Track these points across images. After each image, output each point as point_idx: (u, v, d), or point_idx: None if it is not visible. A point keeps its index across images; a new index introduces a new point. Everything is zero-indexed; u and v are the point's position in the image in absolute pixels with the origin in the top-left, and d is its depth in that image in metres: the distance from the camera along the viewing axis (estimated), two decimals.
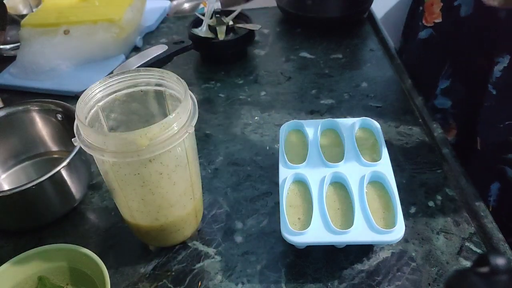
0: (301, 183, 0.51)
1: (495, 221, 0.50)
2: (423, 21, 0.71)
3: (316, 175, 0.50)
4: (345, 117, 0.66)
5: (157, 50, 0.73)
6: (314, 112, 0.69)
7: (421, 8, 0.73)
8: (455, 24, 0.63)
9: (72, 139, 0.40)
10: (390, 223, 0.46)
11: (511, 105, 0.56)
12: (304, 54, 0.82)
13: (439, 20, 0.67)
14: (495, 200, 0.63)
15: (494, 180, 0.62)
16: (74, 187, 0.54)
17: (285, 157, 0.53)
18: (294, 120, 0.57)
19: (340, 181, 0.50)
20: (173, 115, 0.39)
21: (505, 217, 0.60)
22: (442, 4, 0.66)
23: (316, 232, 0.45)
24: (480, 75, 0.59)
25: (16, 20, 0.87)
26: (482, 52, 0.59)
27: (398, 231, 0.45)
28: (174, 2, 1.28)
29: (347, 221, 0.46)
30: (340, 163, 0.51)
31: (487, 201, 0.63)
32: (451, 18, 0.64)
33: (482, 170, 0.63)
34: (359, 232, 0.45)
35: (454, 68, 0.66)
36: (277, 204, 0.55)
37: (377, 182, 0.50)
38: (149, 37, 0.92)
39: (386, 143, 0.53)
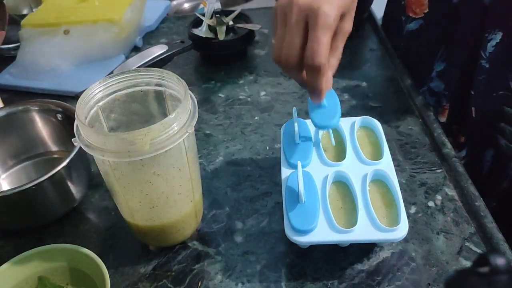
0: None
1: (486, 187, 0.53)
2: (410, 14, 0.73)
3: (319, 174, 0.50)
4: (345, 117, 0.66)
5: (157, 50, 0.73)
6: None
7: (403, 2, 0.74)
8: (446, 11, 0.66)
9: (72, 139, 0.40)
10: (393, 221, 0.46)
11: (504, 77, 0.59)
12: None
13: (427, 10, 0.70)
14: (488, 167, 0.66)
15: (488, 148, 0.65)
16: (74, 187, 0.54)
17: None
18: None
19: (342, 180, 0.50)
20: (173, 115, 0.39)
21: (495, 183, 0.64)
22: None
23: (321, 232, 0.45)
24: (472, 54, 0.62)
25: (16, 20, 0.87)
26: (472, 33, 0.62)
27: (402, 228, 0.45)
28: (174, 2, 1.28)
29: (351, 219, 0.46)
30: (342, 162, 0.51)
31: (481, 166, 0.66)
32: (442, 6, 0.67)
33: (478, 137, 0.66)
34: (364, 231, 0.45)
35: (449, 51, 0.68)
36: (277, 204, 0.55)
37: (379, 181, 0.50)
38: (149, 37, 0.92)
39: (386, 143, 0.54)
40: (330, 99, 0.48)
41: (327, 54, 0.42)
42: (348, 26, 0.46)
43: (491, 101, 0.61)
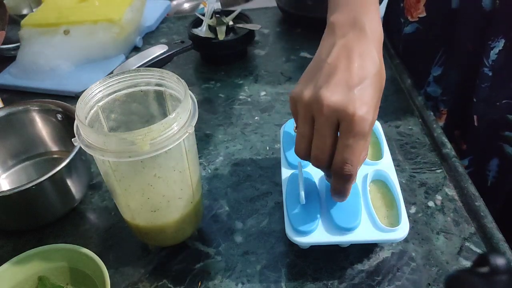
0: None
1: (492, 196, 0.51)
2: (407, 17, 0.72)
3: (319, 175, 0.50)
4: None
5: (157, 50, 0.73)
6: None
7: (402, 4, 0.74)
8: (445, 16, 0.65)
9: (72, 139, 0.40)
10: (394, 222, 0.46)
11: (508, 85, 0.58)
12: (304, 54, 0.82)
13: (423, 15, 0.69)
14: (494, 176, 0.65)
15: (493, 157, 0.64)
16: (74, 187, 0.54)
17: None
18: None
19: None
20: (173, 115, 0.38)
21: (502, 193, 0.63)
22: None
23: (321, 232, 0.45)
24: (473, 60, 0.62)
25: (16, 20, 0.87)
26: (473, 39, 0.61)
27: (403, 229, 0.45)
28: (174, 2, 1.28)
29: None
30: None
31: (486, 176, 0.65)
32: (440, 10, 0.66)
33: (481, 146, 0.65)
34: (364, 231, 0.45)
35: (447, 56, 0.68)
36: (277, 204, 0.55)
37: (379, 181, 0.50)
38: (149, 37, 0.92)
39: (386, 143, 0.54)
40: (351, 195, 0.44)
41: (359, 162, 0.38)
42: (376, 115, 0.39)
43: (495, 109, 0.60)
